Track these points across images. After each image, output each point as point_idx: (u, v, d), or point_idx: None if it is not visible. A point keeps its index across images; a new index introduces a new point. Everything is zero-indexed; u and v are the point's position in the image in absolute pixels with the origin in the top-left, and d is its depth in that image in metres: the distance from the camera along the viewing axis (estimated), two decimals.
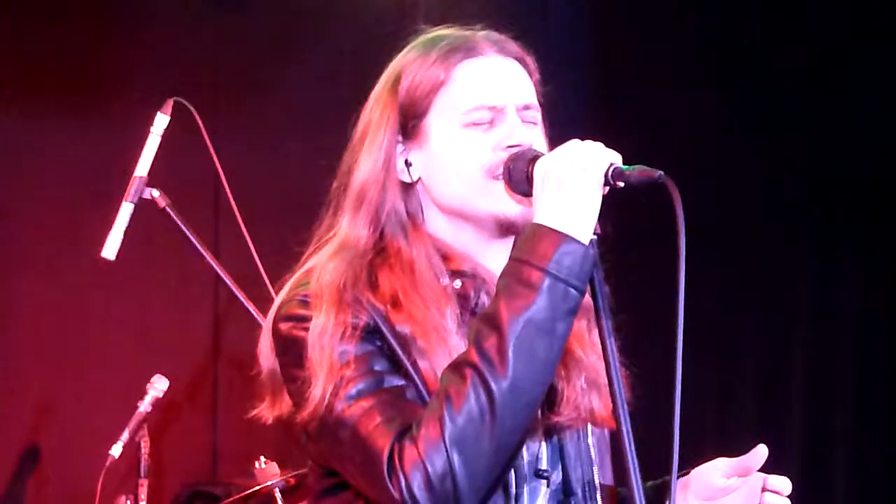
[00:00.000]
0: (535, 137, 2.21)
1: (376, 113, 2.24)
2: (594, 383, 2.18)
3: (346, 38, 4.97)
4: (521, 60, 2.26)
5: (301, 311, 2.12)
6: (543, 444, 2.17)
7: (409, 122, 2.22)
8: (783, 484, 2.24)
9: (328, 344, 2.06)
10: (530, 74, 2.27)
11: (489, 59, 2.23)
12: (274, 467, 4.28)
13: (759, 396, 5.67)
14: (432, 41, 2.25)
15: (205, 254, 3.75)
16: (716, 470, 2.25)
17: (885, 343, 5.66)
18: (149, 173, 3.77)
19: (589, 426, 2.22)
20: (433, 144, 2.21)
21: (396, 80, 2.23)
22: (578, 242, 2.02)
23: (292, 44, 5.22)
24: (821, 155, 5.62)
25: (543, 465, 2.16)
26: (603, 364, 2.10)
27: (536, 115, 2.24)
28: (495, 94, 2.20)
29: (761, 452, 2.22)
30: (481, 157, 2.17)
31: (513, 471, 2.10)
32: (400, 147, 2.22)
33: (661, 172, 2.03)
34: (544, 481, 2.15)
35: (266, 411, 2.25)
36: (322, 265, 2.16)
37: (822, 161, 5.62)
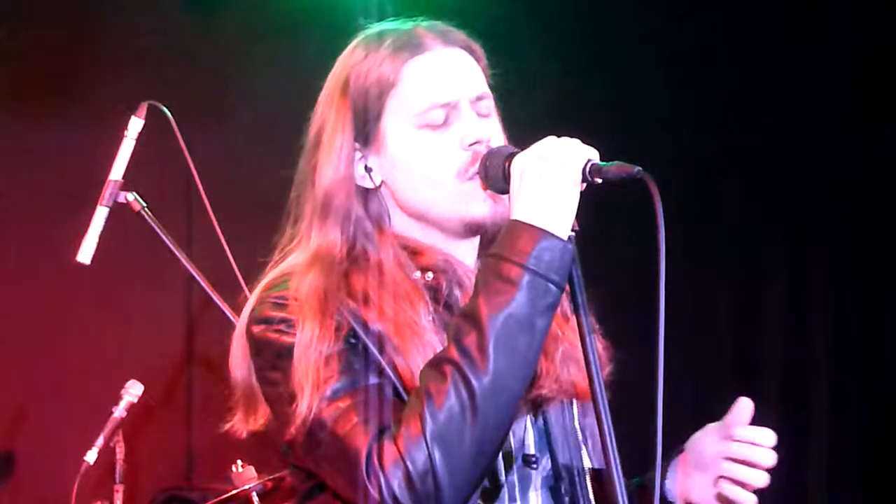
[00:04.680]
0: (493, 129, 2.20)
1: (330, 117, 2.21)
2: (571, 356, 2.17)
3: (319, 37, 4.97)
4: (467, 48, 2.24)
5: (274, 313, 2.10)
6: (530, 428, 2.16)
7: (364, 126, 2.19)
8: (761, 435, 2.18)
9: (313, 357, 2.03)
10: (478, 61, 2.25)
11: (436, 54, 2.20)
12: (251, 471, 4.27)
13: (735, 389, 5.67)
14: (377, 38, 2.22)
15: (180, 257, 3.74)
16: (707, 436, 2.22)
17: (857, 334, 5.68)
18: (123, 177, 3.76)
19: (575, 408, 2.22)
20: (391, 149, 2.19)
21: (346, 83, 2.20)
22: (557, 238, 2.02)
23: (266, 45, 5.22)
24: (798, 152, 5.64)
25: (531, 451, 2.15)
26: (577, 338, 2.10)
27: (490, 104, 2.23)
28: (447, 91, 2.18)
29: (744, 406, 2.19)
30: (447, 159, 2.16)
31: (501, 459, 2.09)
32: (358, 153, 2.20)
33: (639, 168, 2.03)
34: (533, 466, 2.14)
35: (240, 424, 2.24)
36: (300, 275, 2.13)
37: (800, 158, 5.64)
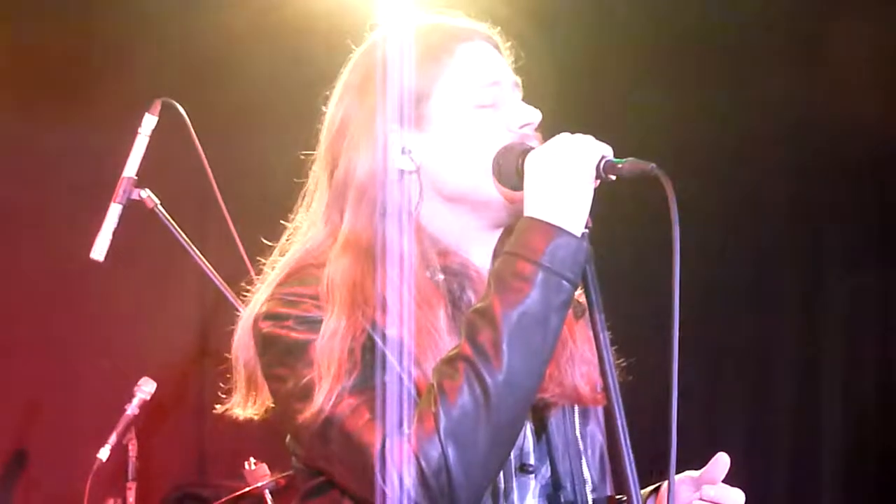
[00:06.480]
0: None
1: (363, 102, 2.20)
2: (576, 361, 2.17)
3: (332, 34, 4.97)
4: (496, 47, 2.26)
5: (284, 310, 2.09)
6: (530, 436, 2.15)
7: (408, 107, 2.17)
8: (730, 496, 2.18)
9: (337, 349, 2.02)
10: (504, 58, 2.27)
11: (479, 44, 2.23)
12: (263, 468, 4.28)
13: (746, 392, 5.68)
14: (418, 26, 2.22)
15: (193, 254, 3.74)
16: (682, 484, 2.22)
17: (872, 345, 5.67)
18: (137, 174, 3.77)
19: (577, 416, 2.22)
20: (441, 129, 2.17)
21: (382, 67, 2.19)
22: (571, 235, 2.01)
23: (280, 42, 5.23)
24: (812, 154, 5.63)
25: (531, 460, 2.14)
26: (583, 342, 2.13)
27: (521, 95, 2.24)
28: (497, 74, 2.20)
29: (722, 461, 2.19)
30: (498, 139, 2.16)
31: None
32: (396, 136, 2.17)
33: (654, 164, 2.02)
34: (532, 476, 2.13)
35: (238, 407, 2.24)
36: (334, 261, 2.12)
37: (814, 160, 5.63)
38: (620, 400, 2.04)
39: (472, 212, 2.18)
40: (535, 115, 2.19)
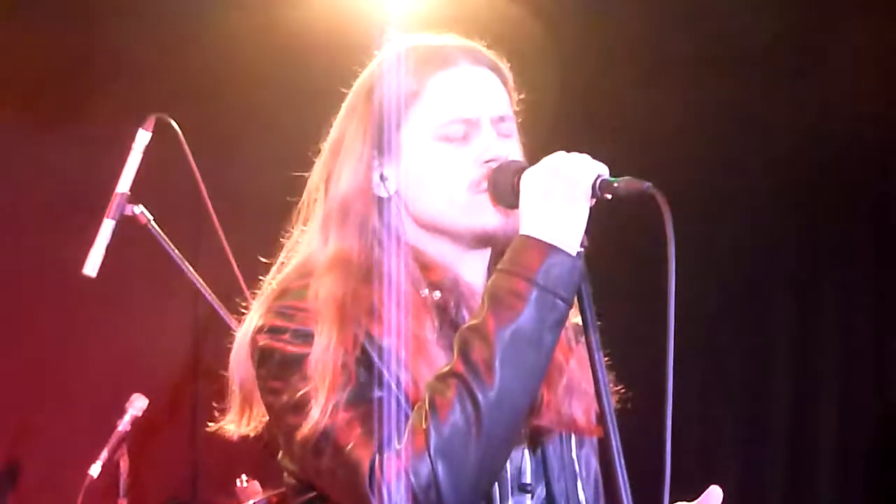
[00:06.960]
0: (511, 150, 2.20)
1: (352, 124, 2.22)
2: (574, 389, 2.17)
3: (327, 52, 4.98)
4: (494, 69, 2.24)
5: (280, 323, 2.10)
6: (527, 456, 2.15)
7: (383, 135, 2.19)
8: None
9: (330, 361, 2.03)
10: (504, 83, 2.25)
11: (462, 70, 2.20)
12: (255, 486, 4.26)
13: (741, 411, 5.67)
14: (405, 50, 2.22)
15: (186, 270, 3.74)
16: None
17: (868, 356, 5.67)
18: (131, 189, 3.76)
19: (573, 439, 2.22)
20: (408, 159, 2.19)
21: (370, 92, 2.21)
22: (566, 254, 2.02)
23: (274, 60, 5.23)
24: (808, 164, 5.63)
25: (527, 479, 2.14)
26: (582, 370, 2.12)
27: (511, 126, 2.23)
28: (469, 107, 2.18)
29: (715, 495, 2.19)
30: (461, 173, 2.16)
31: (496, 484, 2.09)
32: (375, 161, 2.20)
33: (650, 184, 2.02)
34: (528, 495, 2.14)
35: (233, 424, 2.24)
36: (319, 279, 2.13)
37: (810, 170, 5.63)
38: (615, 421, 2.04)
39: (446, 238, 2.19)
40: (503, 151, 2.17)
